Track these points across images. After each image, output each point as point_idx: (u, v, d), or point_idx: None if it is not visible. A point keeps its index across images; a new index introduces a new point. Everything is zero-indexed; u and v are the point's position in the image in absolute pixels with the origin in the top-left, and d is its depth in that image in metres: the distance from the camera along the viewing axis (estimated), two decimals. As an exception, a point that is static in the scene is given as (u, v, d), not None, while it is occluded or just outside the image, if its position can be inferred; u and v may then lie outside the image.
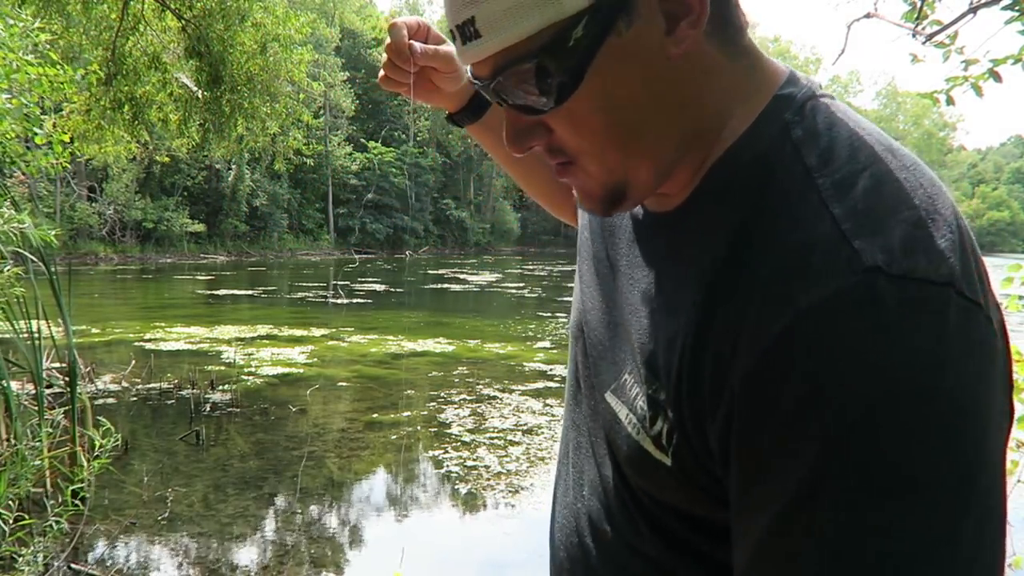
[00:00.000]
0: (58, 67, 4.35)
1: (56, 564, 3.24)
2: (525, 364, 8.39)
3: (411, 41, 0.76)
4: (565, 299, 16.89)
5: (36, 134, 4.19)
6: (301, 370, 7.77)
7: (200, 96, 11.22)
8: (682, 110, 0.53)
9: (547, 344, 9.97)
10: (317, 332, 10.53)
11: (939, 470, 0.40)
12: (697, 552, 0.58)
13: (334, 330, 10.84)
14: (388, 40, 0.78)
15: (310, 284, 20.61)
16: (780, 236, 0.48)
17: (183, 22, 10.69)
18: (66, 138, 4.30)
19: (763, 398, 0.45)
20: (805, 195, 0.48)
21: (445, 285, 21.40)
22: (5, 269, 3.77)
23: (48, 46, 3.99)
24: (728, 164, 0.54)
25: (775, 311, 0.45)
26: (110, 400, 6.31)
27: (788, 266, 0.46)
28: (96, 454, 3.83)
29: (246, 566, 3.41)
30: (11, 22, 4.08)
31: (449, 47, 0.82)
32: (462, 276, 24.98)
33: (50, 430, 3.93)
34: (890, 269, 0.42)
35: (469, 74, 0.56)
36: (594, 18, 0.48)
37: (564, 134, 0.54)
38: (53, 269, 4.12)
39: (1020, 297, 2.34)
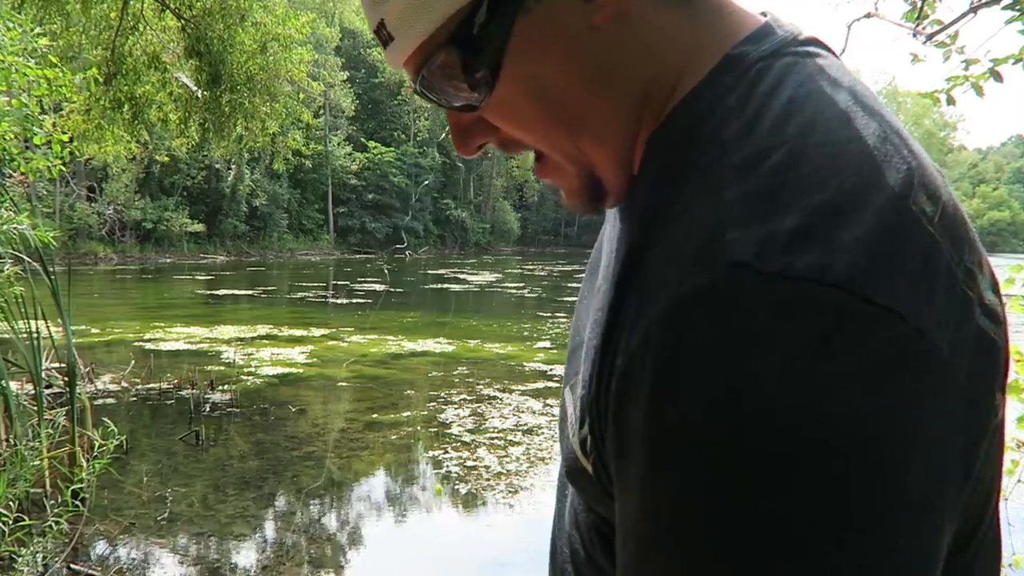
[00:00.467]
0: (57, 69, 4.34)
1: (55, 564, 3.23)
2: (525, 364, 8.39)
3: None
4: (565, 299, 16.89)
5: (35, 134, 4.19)
6: (301, 370, 7.77)
7: (200, 96, 11.22)
8: (622, 82, 0.47)
9: (547, 344, 9.97)
10: (317, 332, 10.53)
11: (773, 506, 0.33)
12: None
13: (334, 330, 10.84)
14: None
15: (310, 284, 20.61)
16: (673, 225, 0.42)
17: (183, 21, 10.69)
18: (65, 138, 4.29)
19: (619, 402, 0.41)
20: (708, 175, 0.41)
21: (445, 285, 21.40)
22: (4, 268, 3.77)
23: (47, 49, 3.98)
24: (655, 144, 0.48)
25: (645, 310, 0.40)
26: (109, 400, 6.31)
27: (666, 259, 0.41)
28: (96, 454, 3.83)
29: (246, 566, 3.40)
30: (11, 25, 4.08)
31: None
32: (462, 276, 24.99)
33: (49, 431, 3.93)
34: (761, 265, 0.35)
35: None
36: (496, 1, 0.44)
37: (508, 128, 0.50)
38: (52, 269, 4.11)
39: (1022, 298, 2.34)
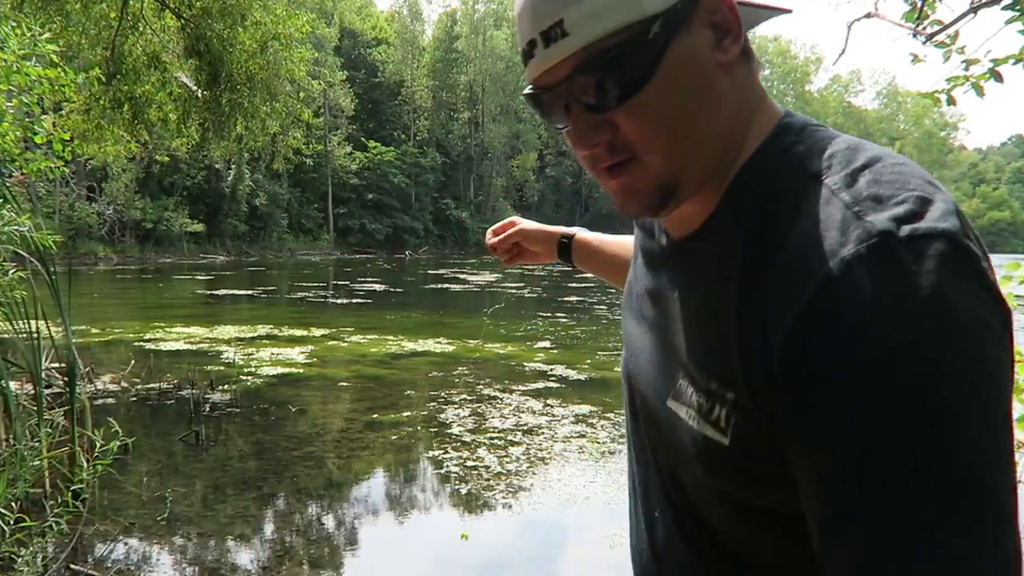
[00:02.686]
0: (58, 68, 4.34)
1: (55, 565, 3.23)
2: (525, 364, 8.39)
3: (489, 241, 1.25)
4: (565, 299, 16.90)
5: (36, 134, 4.19)
6: (301, 370, 7.77)
7: (200, 95, 11.22)
8: (723, 116, 0.61)
9: (547, 344, 9.97)
10: (317, 332, 10.54)
11: (970, 384, 0.47)
12: (751, 565, 0.64)
13: (334, 330, 10.84)
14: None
15: (310, 284, 20.61)
16: (798, 226, 0.54)
17: (182, 21, 10.69)
18: (66, 137, 4.29)
19: (804, 359, 0.50)
20: (815, 192, 0.55)
21: (445, 285, 21.40)
22: (9, 273, 3.77)
23: (54, 54, 3.98)
24: (743, 180, 0.62)
25: (801, 282, 0.51)
26: (109, 400, 6.31)
27: (808, 245, 0.52)
28: (98, 455, 3.82)
29: (246, 566, 3.40)
30: (14, 24, 4.08)
31: (525, 225, 1.25)
32: (462, 276, 24.98)
33: (49, 431, 3.93)
34: (901, 230, 0.49)
35: (530, 90, 0.64)
36: (668, 20, 0.57)
37: (633, 127, 0.60)
38: (53, 269, 4.11)
39: (1018, 297, 2.34)
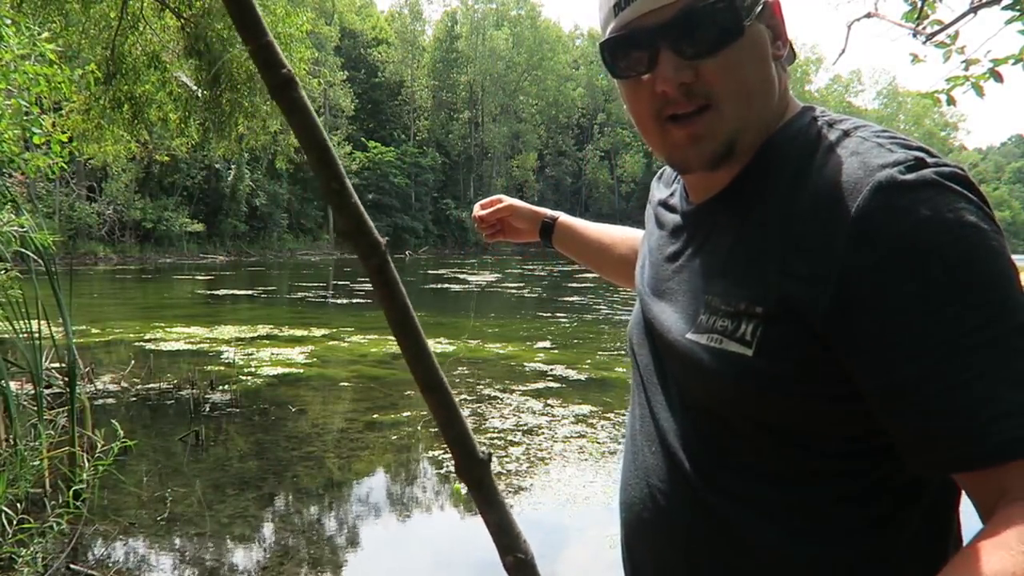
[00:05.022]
0: (56, 67, 4.34)
1: (56, 565, 3.23)
2: (525, 364, 8.39)
3: (476, 214, 1.30)
4: (565, 299, 16.90)
5: (35, 134, 4.19)
6: (301, 370, 7.77)
7: (200, 95, 11.22)
8: (775, 90, 0.73)
9: (547, 344, 9.97)
10: (317, 332, 10.53)
11: (1004, 269, 0.59)
12: (761, 500, 0.70)
13: (334, 330, 10.84)
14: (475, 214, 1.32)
15: (310, 284, 20.61)
16: (836, 160, 0.65)
17: (182, 21, 10.69)
18: (64, 137, 4.28)
19: (875, 246, 0.60)
20: (847, 140, 0.67)
21: (445, 285, 21.40)
22: (5, 271, 3.77)
23: (53, 53, 3.98)
24: (773, 141, 0.73)
25: (835, 216, 0.62)
26: (109, 400, 6.31)
27: (833, 190, 0.63)
28: (99, 455, 3.82)
29: (246, 567, 3.40)
30: (8, 22, 4.07)
31: (513, 202, 1.32)
32: (462, 276, 24.98)
33: (49, 431, 3.92)
34: (928, 160, 0.62)
35: (621, 32, 0.72)
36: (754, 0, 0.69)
37: (719, 75, 0.69)
38: (54, 269, 4.11)
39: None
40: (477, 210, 1.31)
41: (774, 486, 0.69)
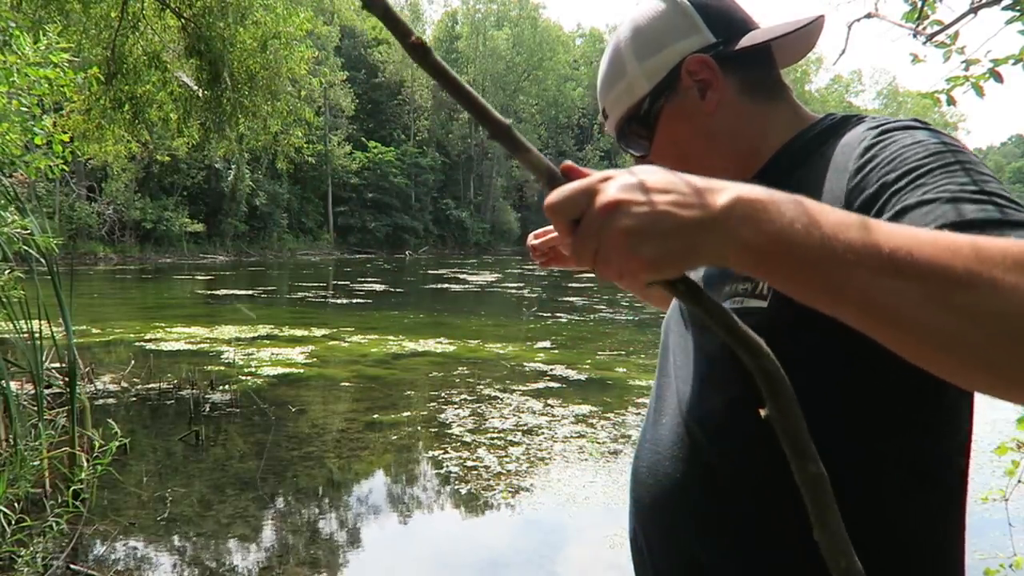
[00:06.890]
0: (58, 69, 4.33)
1: (55, 565, 3.23)
2: (525, 364, 8.39)
3: (530, 243, 1.35)
4: (565, 299, 16.90)
5: (36, 134, 4.18)
6: (301, 370, 7.77)
7: (200, 95, 11.22)
8: (729, 142, 0.85)
9: (547, 344, 9.97)
10: (317, 332, 10.53)
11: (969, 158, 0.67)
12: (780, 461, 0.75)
13: (334, 330, 10.84)
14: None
15: (310, 284, 20.61)
16: (822, 163, 0.76)
17: (183, 20, 10.69)
18: (65, 138, 4.28)
19: (857, 173, 0.70)
20: (827, 156, 0.77)
21: (445, 285, 21.40)
22: (6, 272, 3.76)
23: (66, 63, 3.98)
24: (796, 141, 0.84)
25: (857, 144, 0.73)
26: (109, 400, 6.31)
27: (835, 161, 0.75)
28: (97, 455, 3.82)
29: (245, 566, 3.40)
30: (12, 24, 4.07)
31: None
32: (462, 276, 24.98)
33: (50, 431, 3.92)
34: (891, 124, 0.74)
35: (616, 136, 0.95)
36: (652, 97, 0.87)
37: (660, 159, 0.86)
38: (55, 269, 4.11)
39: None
40: (531, 240, 1.39)
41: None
